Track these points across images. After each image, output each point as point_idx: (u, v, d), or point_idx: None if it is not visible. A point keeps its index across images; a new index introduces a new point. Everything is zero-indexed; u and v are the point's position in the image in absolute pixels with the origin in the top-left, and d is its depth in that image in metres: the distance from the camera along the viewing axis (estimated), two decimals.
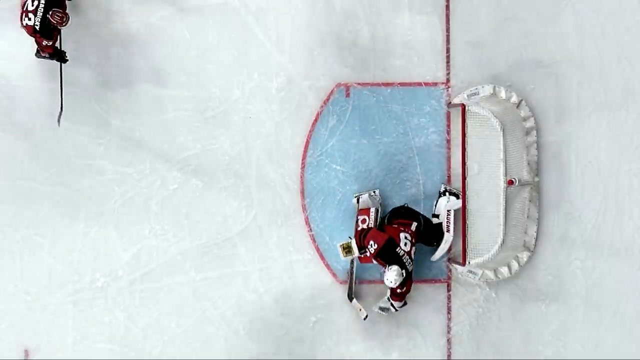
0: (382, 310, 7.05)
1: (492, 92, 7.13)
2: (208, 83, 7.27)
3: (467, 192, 6.98)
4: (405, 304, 6.84)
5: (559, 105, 7.36)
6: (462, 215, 6.95)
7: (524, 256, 7.27)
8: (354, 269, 7.10)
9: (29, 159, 7.19)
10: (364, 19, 7.29)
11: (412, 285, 6.72)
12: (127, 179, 7.23)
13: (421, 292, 7.29)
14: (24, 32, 6.81)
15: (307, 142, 7.28)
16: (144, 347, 7.21)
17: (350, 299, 7.13)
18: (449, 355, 7.31)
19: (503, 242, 7.01)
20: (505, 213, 6.98)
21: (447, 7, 7.33)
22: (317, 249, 7.26)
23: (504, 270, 7.24)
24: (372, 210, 7.01)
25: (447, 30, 7.33)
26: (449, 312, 7.32)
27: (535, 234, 7.31)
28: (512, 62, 7.33)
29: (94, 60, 7.23)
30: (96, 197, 7.22)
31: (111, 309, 7.20)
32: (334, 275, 7.27)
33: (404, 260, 6.54)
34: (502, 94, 7.18)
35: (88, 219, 7.21)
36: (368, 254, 6.62)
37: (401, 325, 7.28)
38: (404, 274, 6.53)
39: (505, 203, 6.97)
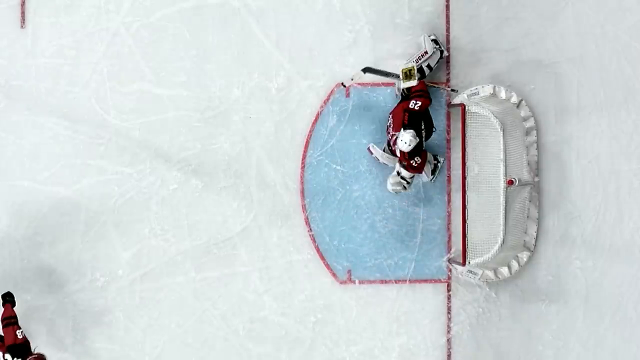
0: (396, 187, 6.89)
1: (492, 92, 7.12)
2: (208, 83, 7.27)
3: (467, 192, 6.97)
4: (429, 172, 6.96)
5: (559, 105, 7.36)
6: (462, 215, 6.95)
7: (524, 256, 7.27)
8: (393, 76, 6.99)
9: (29, 159, 7.20)
10: (364, 19, 7.29)
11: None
12: (127, 179, 7.24)
13: (421, 292, 7.30)
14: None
15: (307, 142, 7.28)
16: (144, 347, 7.21)
17: (365, 71, 6.98)
18: (449, 355, 7.31)
19: (503, 242, 7.01)
20: (505, 213, 6.98)
21: (447, 7, 7.33)
22: (317, 249, 7.26)
23: (504, 270, 7.24)
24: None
25: (447, 30, 7.33)
26: (449, 312, 7.32)
27: (535, 234, 7.31)
28: (512, 62, 7.33)
29: (92, 59, 7.24)
30: (96, 197, 7.22)
31: (111, 309, 7.20)
32: (334, 275, 7.27)
33: (422, 134, 6.65)
34: (502, 94, 7.18)
35: (88, 219, 7.22)
36: (412, 105, 6.61)
37: (401, 325, 7.29)
38: (418, 140, 6.57)
39: (505, 203, 6.98)
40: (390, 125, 6.93)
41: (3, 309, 6.54)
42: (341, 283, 7.28)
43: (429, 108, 6.82)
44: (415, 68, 6.76)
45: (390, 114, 7.00)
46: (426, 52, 7.08)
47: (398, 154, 6.68)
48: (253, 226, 7.27)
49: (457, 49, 7.32)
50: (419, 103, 6.59)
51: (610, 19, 7.37)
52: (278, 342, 7.25)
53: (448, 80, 7.31)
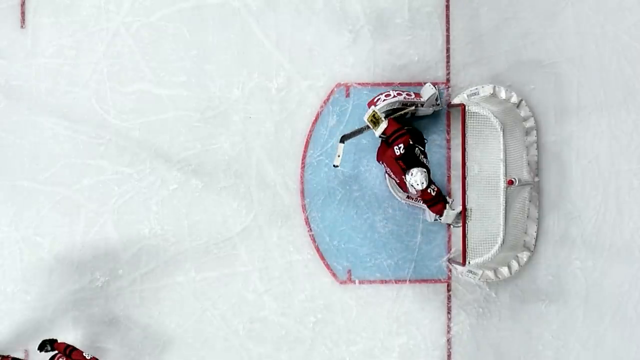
0: (454, 220, 6.81)
1: (492, 92, 7.12)
2: (208, 83, 7.27)
3: (467, 192, 6.97)
4: (457, 218, 6.72)
5: (559, 105, 7.36)
6: (462, 215, 6.94)
7: (524, 256, 7.27)
8: (366, 129, 6.84)
9: (29, 159, 7.20)
10: (364, 19, 7.29)
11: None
12: (127, 179, 7.24)
13: (421, 292, 7.30)
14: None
15: (307, 142, 7.28)
16: (144, 347, 7.21)
17: (342, 141, 6.85)
18: (449, 355, 7.32)
19: (503, 242, 7.01)
20: (505, 213, 6.98)
21: (447, 7, 7.33)
22: (317, 249, 7.26)
23: (504, 270, 7.24)
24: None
25: (447, 30, 7.33)
26: (449, 312, 7.32)
27: (535, 234, 7.31)
28: (512, 62, 7.33)
29: (92, 59, 7.24)
30: (96, 197, 7.22)
31: (111, 309, 7.20)
32: (334, 275, 7.27)
33: (422, 160, 6.54)
34: (502, 94, 7.18)
35: (88, 219, 7.22)
36: (397, 152, 6.53)
37: (401, 325, 7.29)
38: (427, 173, 6.49)
39: (505, 203, 6.98)
40: (387, 172, 6.87)
41: (55, 349, 6.61)
42: (341, 283, 7.28)
43: (413, 123, 6.89)
44: (377, 110, 6.64)
45: (378, 160, 6.93)
46: (421, 105, 6.98)
47: (413, 191, 6.61)
48: (253, 226, 7.28)
49: (457, 49, 7.32)
50: (401, 145, 6.53)
51: (610, 19, 7.37)
52: (278, 342, 7.25)
53: (448, 80, 7.31)
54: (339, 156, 6.78)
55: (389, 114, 6.85)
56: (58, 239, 7.20)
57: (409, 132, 6.66)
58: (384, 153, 6.71)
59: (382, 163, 6.81)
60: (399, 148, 6.53)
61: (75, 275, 7.19)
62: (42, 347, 6.66)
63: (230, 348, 7.25)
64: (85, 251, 7.21)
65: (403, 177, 6.55)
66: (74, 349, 6.43)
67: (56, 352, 6.50)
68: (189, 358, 7.23)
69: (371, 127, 6.66)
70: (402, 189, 6.94)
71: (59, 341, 6.68)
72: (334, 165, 6.81)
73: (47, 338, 6.70)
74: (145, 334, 7.21)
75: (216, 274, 7.25)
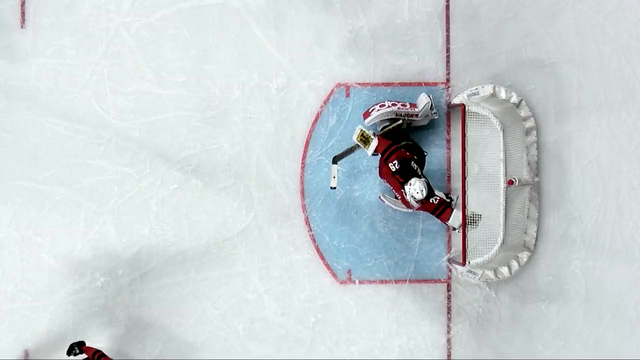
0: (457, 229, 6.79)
1: (492, 92, 7.12)
2: (208, 83, 7.27)
3: (467, 192, 6.97)
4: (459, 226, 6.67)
5: (559, 105, 7.37)
6: (462, 215, 6.94)
7: (524, 256, 7.28)
8: (357, 148, 6.86)
9: (29, 159, 7.20)
10: (364, 19, 7.29)
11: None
12: (127, 179, 7.24)
13: (421, 292, 7.30)
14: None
15: (307, 142, 7.28)
16: (144, 347, 7.21)
17: (335, 162, 6.90)
18: (449, 355, 7.32)
19: (503, 242, 7.01)
20: (505, 213, 6.99)
21: (447, 7, 7.34)
22: (317, 249, 7.26)
23: (504, 270, 7.24)
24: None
25: (447, 30, 7.33)
26: (449, 312, 7.32)
27: (535, 234, 7.31)
28: (512, 62, 7.33)
29: (92, 59, 7.24)
30: (96, 197, 7.22)
31: (111, 308, 7.20)
32: (334, 275, 7.28)
33: (419, 173, 6.51)
34: (502, 94, 7.18)
35: (88, 219, 7.22)
36: (392, 168, 6.51)
37: (401, 325, 7.29)
38: (425, 180, 6.46)
39: (505, 203, 6.98)
40: (389, 187, 6.86)
41: (84, 352, 6.64)
42: (341, 283, 7.28)
43: (410, 134, 6.88)
44: (364, 129, 6.62)
45: (380, 177, 6.89)
46: (415, 115, 6.96)
47: (415, 203, 6.57)
48: (253, 226, 7.28)
49: (457, 49, 7.32)
50: (396, 162, 6.51)
51: (610, 19, 7.37)
52: (278, 342, 7.25)
53: (448, 80, 7.32)
54: (334, 177, 6.85)
55: (384, 124, 6.84)
56: (58, 239, 7.20)
57: (405, 146, 6.65)
58: (382, 169, 6.72)
59: (383, 179, 6.80)
60: (394, 164, 6.52)
61: (75, 275, 7.19)
62: (71, 350, 6.66)
63: (230, 348, 7.25)
64: (85, 251, 7.21)
65: (403, 191, 6.53)
66: (102, 354, 6.43)
67: (85, 356, 6.49)
68: (189, 358, 7.22)
69: (361, 146, 6.66)
70: (404, 204, 6.91)
71: (86, 344, 6.67)
72: (331, 187, 6.88)
73: (75, 341, 6.71)
74: (145, 334, 7.21)
75: (216, 274, 7.25)
